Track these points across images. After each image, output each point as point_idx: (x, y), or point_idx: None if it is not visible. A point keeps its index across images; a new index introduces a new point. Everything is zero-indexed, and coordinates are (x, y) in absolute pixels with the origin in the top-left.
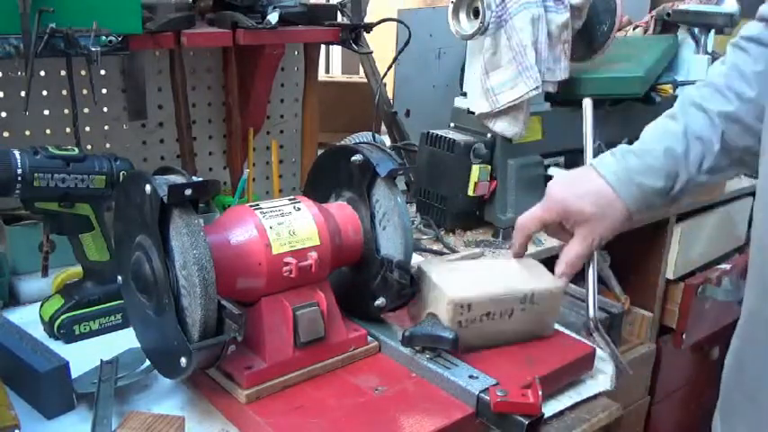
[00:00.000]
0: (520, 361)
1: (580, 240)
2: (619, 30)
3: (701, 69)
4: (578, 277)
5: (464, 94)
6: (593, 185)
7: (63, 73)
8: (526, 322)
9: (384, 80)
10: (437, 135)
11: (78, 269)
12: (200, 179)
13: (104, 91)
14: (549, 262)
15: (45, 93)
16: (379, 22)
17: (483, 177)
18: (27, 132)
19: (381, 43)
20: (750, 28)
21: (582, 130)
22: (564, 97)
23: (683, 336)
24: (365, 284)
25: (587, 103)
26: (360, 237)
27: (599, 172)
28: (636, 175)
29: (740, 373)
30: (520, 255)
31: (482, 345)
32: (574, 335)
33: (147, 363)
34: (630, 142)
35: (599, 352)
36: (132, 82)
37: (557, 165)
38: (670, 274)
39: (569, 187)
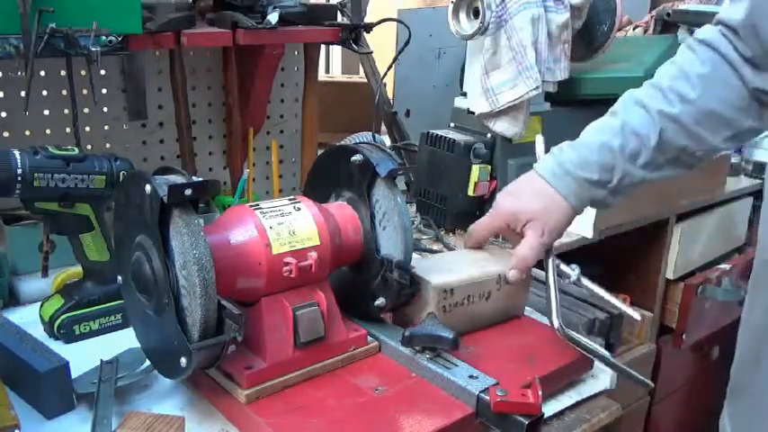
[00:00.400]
0: (520, 361)
1: (529, 235)
2: (619, 30)
3: None
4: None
5: (464, 94)
6: (535, 185)
7: (63, 73)
8: (501, 303)
9: (384, 80)
10: (437, 135)
11: (78, 269)
12: (200, 179)
13: (104, 91)
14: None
15: (45, 93)
16: (379, 22)
17: (483, 177)
18: (27, 132)
19: (381, 43)
20: (704, 31)
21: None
22: (564, 97)
23: (683, 336)
24: (365, 284)
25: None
26: (360, 237)
27: (538, 173)
28: (571, 167)
29: (757, 366)
30: None
31: (464, 328)
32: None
33: (147, 363)
34: None
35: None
36: (132, 82)
37: None
38: (670, 274)
39: (514, 194)
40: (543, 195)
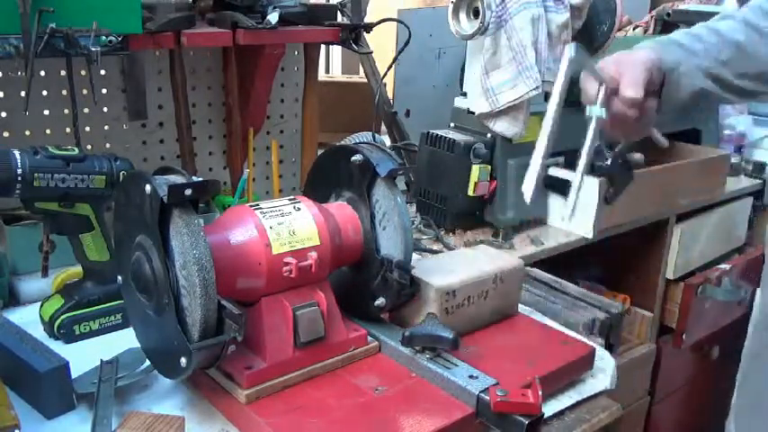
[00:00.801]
0: (520, 361)
1: (631, 70)
2: (619, 30)
3: None
4: (577, 277)
5: (464, 94)
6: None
7: (63, 73)
8: (498, 302)
9: (384, 80)
10: (437, 135)
11: (78, 269)
12: (201, 179)
13: (104, 91)
14: (549, 262)
15: (45, 93)
16: (379, 22)
17: (483, 177)
18: (27, 132)
19: (381, 43)
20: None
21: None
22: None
23: (683, 336)
24: (365, 284)
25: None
26: (360, 237)
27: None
28: (679, 38)
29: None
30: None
31: (464, 329)
32: (574, 335)
33: (147, 363)
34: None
35: (599, 351)
36: (132, 82)
37: (557, 165)
38: (670, 274)
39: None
40: (644, 50)
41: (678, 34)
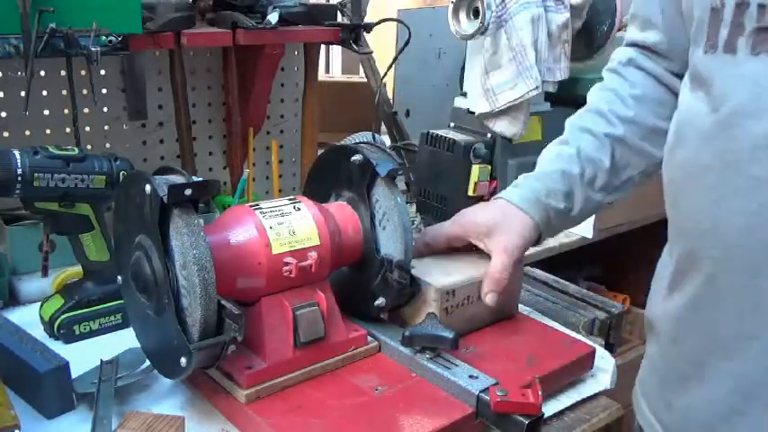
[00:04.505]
0: (520, 361)
1: (500, 252)
2: (619, 30)
3: None
4: (577, 277)
5: (464, 94)
6: (499, 204)
7: (63, 73)
8: (497, 302)
9: (384, 80)
10: (437, 135)
11: (78, 269)
12: (201, 179)
13: (104, 91)
14: (549, 262)
15: (45, 93)
16: (379, 22)
17: (483, 177)
18: (27, 132)
19: (381, 43)
20: (622, 52)
21: None
22: (564, 97)
23: None
24: (365, 284)
25: None
26: (360, 237)
27: (505, 199)
28: (542, 196)
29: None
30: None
31: (464, 329)
32: (574, 335)
33: (147, 363)
34: None
35: (599, 350)
36: (132, 82)
37: None
38: None
39: (475, 208)
40: (508, 211)
41: (535, 181)
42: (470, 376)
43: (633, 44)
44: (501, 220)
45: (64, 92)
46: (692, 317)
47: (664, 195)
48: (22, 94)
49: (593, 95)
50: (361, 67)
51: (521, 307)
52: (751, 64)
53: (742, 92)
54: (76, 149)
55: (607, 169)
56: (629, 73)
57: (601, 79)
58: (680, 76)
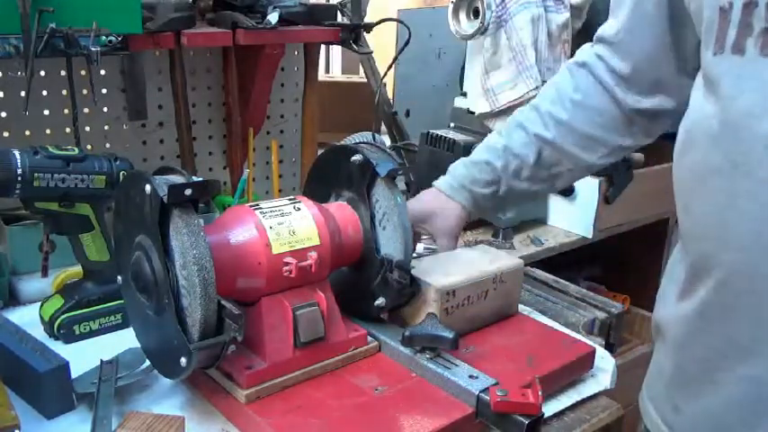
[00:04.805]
0: (520, 361)
1: (441, 236)
2: None
3: None
4: (577, 277)
5: (464, 94)
6: (430, 193)
7: (63, 73)
8: (498, 302)
9: (384, 80)
10: (437, 135)
11: (78, 269)
12: (201, 179)
13: (104, 91)
14: (549, 262)
15: (45, 93)
16: (379, 22)
17: None
18: (27, 132)
19: (381, 43)
20: (583, 52)
21: None
22: None
23: None
24: (365, 284)
25: None
26: (360, 237)
27: (436, 187)
28: (466, 182)
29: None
30: None
31: (464, 329)
32: (574, 335)
33: (147, 363)
34: None
35: (599, 350)
36: (132, 82)
37: None
38: None
39: (414, 199)
40: (439, 199)
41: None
42: (470, 376)
43: (597, 39)
44: (435, 207)
45: (64, 92)
46: (704, 321)
47: (675, 200)
48: (22, 94)
49: (545, 87)
50: (361, 67)
51: (521, 307)
52: (760, 64)
53: (750, 93)
54: (76, 149)
55: (531, 164)
56: (579, 75)
57: None
58: (627, 80)
